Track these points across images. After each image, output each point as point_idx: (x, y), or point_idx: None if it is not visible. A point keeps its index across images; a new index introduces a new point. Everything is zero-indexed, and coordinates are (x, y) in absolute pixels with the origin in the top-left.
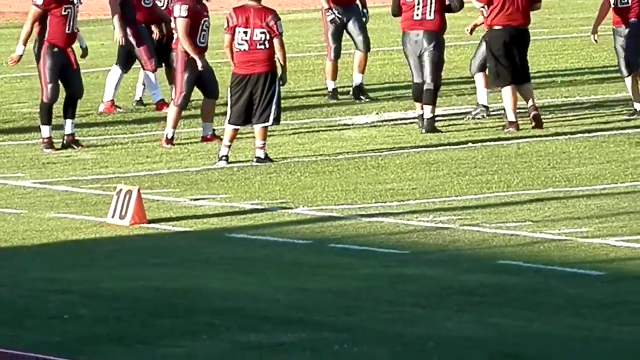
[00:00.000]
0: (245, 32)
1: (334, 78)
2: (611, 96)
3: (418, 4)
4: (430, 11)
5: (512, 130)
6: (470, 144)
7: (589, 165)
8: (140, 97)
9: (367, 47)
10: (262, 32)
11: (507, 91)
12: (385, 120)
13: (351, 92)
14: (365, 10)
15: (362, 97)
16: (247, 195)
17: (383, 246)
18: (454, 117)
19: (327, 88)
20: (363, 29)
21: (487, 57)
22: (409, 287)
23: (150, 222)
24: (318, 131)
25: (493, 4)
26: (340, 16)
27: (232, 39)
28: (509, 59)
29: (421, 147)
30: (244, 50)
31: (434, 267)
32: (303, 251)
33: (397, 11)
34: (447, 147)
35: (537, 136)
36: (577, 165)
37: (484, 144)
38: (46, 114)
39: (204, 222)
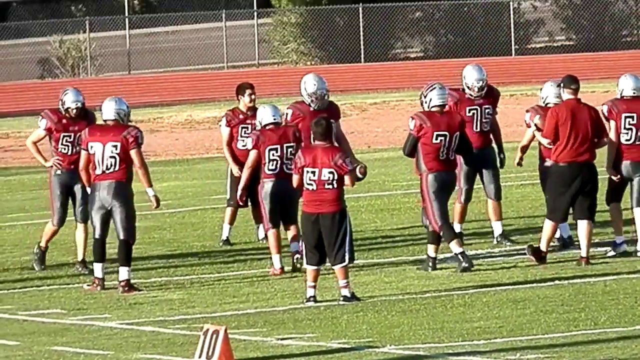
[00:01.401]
0: (314, 172)
1: (462, 221)
2: None
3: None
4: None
5: (533, 258)
6: (556, 282)
7: None
8: (227, 237)
9: (498, 196)
10: (330, 172)
11: (549, 225)
12: (472, 258)
13: (496, 240)
14: (502, 155)
15: (505, 241)
16: (334, 334)
17: None
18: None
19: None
20: (496, 177)
21: (547, 190)
22: None
23: None
24: (405, 269)
25: (559, 140)
26: None
27: (302, 179)
28: (567, 196)
29: (508, 284)
30: (312, 190)
31: None
32: None
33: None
34: (534, 284)
35: (624, 273)
36: None
37: (571, 281)
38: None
39: None
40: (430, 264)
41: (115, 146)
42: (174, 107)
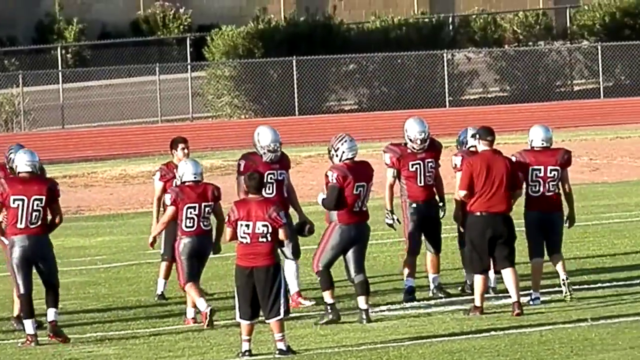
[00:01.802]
0: (247, 226)
1: (413, 275)
2: (633, 282)
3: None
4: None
5: (477, 314)
6: (492, 332)
7: (612, 352)
8: (162, 291)
9: (438, 249)
10: (264, 225)
11: (478, 278)
12: (408, 310)
13: (432, 292)
14: (444, 207)
15: (440, 293)
16: None
17: None
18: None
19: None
20: (438, 230)
21: (466, 241)
22: None
23: None
24: (341, 322)
25: (475, 191)
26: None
27: (235, 233)
28: (485, 247)
29: (444, 336)
30: (247, 243)
31: None
32: None
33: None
34: (470, 335)
35: (559, 323)
36: (600, 351)
37: (506, 331)
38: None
39: None
40: (330, 310)
41: (41, 199)
42: (108, 162)
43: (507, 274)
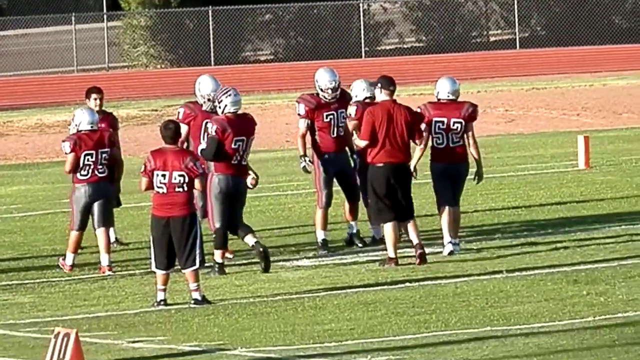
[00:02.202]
0: (164, 175)
1: (325, 227)
2: (548, 234)
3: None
4: None
5: (392, 266)
6: (407, 284)
7: (527, 304)
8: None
9: (355, 196)
10: (180, 175)
11: (388, 228)
12: (322, 261)
13: (346, 241)
14: (355, 157)
15: (357, 241)
16: (185, 337)
17: None
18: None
19: (316, 239)
20: (353, 179)
21: (369, 195)
22: None
23: None
24: (255, 272)
25: (376, 141)
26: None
27: (150, 182)
28: (390, 196)
29: (359, 287)
30: (163, 193)
31: None
32: None
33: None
34: (385, 286)
35: (475, 275)
36: (515, 303)
37: (422, 283)
38: None
39: None
40: (217, 269)
41: None
42: (24, 111)
43: (410, 227)
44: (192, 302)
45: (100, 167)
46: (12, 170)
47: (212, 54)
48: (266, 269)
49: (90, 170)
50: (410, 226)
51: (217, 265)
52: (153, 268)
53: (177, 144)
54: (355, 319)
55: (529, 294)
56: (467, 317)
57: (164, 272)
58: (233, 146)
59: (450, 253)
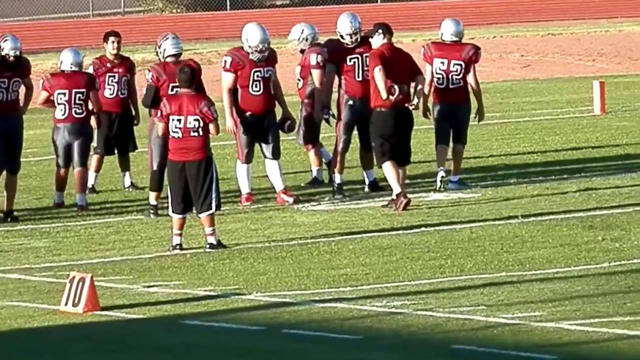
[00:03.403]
0: (179, 120)
1: (341, 171)
2: (564, 179)
3: None
4: None
5: (401, 200)
6: (423, 228)
7: (542, 249)
8: (93, 185)
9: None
10: (195, 120)
11: (388, 165)
12: (338, 206)
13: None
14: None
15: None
16: (200, 281)
17: (337, 331)
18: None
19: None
20: None
21: (371, 137)
22: None
23: (103, 309)
24: (271, 217)
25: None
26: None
27: (167, 127)
28: (393, 137)
29: (374, 231)
30: (178, 137)
31: (388, 353)
32: (257, 337)
33: None
34: (400, 231)
35: (490, 220)
36: (530, 249)
37: (437, 228)
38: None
39: (158, 309)
40: (151, 211)
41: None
42: (40, 55)
43: (402, 171)
44: (208, 246)
45: (77, 107)
46: (27, 115)
47: None
48: None
49: (66, 110)
50: (401, 171)
51: (151, 208)
52: (169, 212)
53: (192, 89)
54: (370, 264)
55: (544, 240)
56: (483, 262)
57: (180, 216)
58: (169, 92)
59: (442, 179)
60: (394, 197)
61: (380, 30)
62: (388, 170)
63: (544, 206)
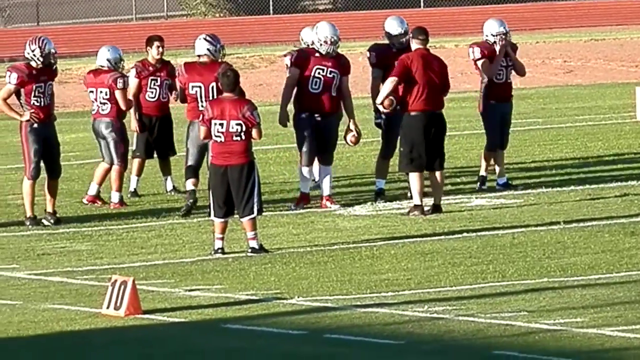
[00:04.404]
0: (222, 124)
1: (384, 177)
2: (606, 185)
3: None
4: None
5: (417, 213)
6: (465, 234)
7: (584, 255)
8: (135, 188)
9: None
10: (238, 124)
11: (414, 175)
12: (380, 211)
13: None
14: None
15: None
16: (242, 285)
17: (378, 336)
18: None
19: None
20: None
21: (401, 141)
22: None
23: (145, 312)
24: (313, 222)
25: (411, 89)
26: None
27: (209, 131)
28: (423, 144)
29: (416, 237)
30: (221, 142)
31: (429, 358)
32: (298, 342)
33: None
34: (442, 237)
35: (532, 226)
36: (572, 255)
37: (479, 233)
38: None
39: (199, 312)
40: (191, 200)
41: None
42: (83, 59)
43: (437, 177)
44: (250, 250)
45: (101, 104)
46: (70, 118)
47: (270, 3)
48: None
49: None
50: (437, 176)
51: (189, 193)
52: (211, 216)
53: (235, 93)
54: (412, 269)
55: (586, 246)
56: (524, 268)
57: (221, 220)
58: (190, 92)
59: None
60: (413, 204)
61: (411, 35)
62: (413, 180)
63: (586, 212)
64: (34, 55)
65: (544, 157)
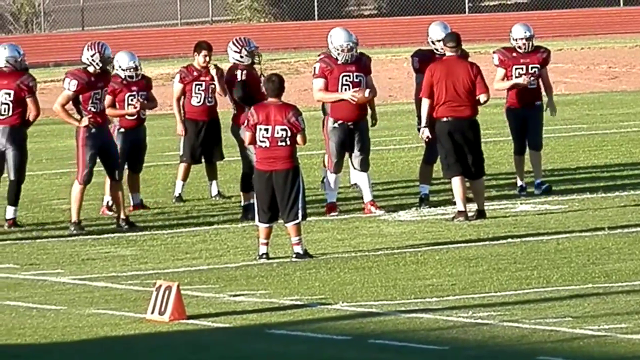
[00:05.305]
0: (267, 130)
1: (428, 182)
2: None
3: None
4: None
5: (462, 219)
6: (509, 240)
7: (629, 261)
8: (180, 193)
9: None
10: (283, 129)
11: (456, 181)
12: (424, 216)
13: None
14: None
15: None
16: (286, 291)
17: (423, 342)
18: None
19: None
20: None
21: (438, 148)
22: None
23: (189, 318)
24: (357, 227)
25: (437, 96)
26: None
27: (254, 136)
28: (456, 150)
29: (460, 242)
30: (266, 147)
31: None
32: (343, 347)
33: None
34: (487, 242)
35: (576, 231)
36: (617, 261)
37: (523, 239)
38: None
39: (244, 318)
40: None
41: (9, 93)
42: None
43: (478, 184)
44: (294, 255)
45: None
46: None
47: (315, 9)
48: None
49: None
50: (477, 183)
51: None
52: (256, 222)
53: (280, 98)
54: (456, 275)
55: (631, 251)
56: (569, 273)
57: (266, 225)
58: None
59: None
60: (457, 210)
61: (444, 42)
62: (455, 185)
63: (631, 218)
64: (93, 60)
65: (589, 163)
